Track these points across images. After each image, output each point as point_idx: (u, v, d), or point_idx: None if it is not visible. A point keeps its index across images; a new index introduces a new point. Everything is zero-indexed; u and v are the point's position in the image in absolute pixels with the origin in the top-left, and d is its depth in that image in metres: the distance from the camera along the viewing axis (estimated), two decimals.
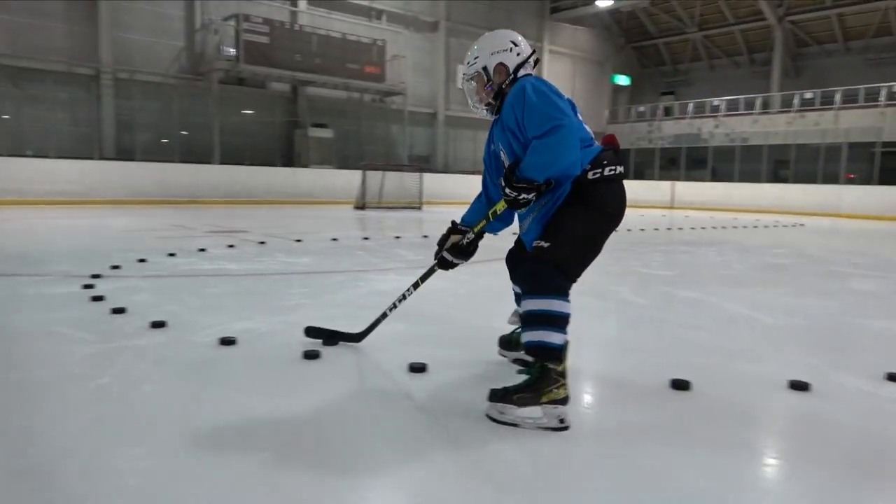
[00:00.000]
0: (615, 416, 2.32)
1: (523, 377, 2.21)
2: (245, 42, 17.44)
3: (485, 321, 3.66)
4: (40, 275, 4.92)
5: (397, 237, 8.55)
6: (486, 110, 2.60)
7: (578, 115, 2.38)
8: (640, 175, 27.12)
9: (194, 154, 17.88)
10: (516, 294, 2.74)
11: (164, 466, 1.79)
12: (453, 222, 2.77)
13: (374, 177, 16.81)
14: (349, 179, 19.03)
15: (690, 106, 26.76)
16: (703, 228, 13.03)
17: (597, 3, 25.38)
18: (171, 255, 6.10)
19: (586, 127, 2.40)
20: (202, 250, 6.52)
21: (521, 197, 2.25)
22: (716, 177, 24.68)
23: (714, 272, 6.38)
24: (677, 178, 24.43)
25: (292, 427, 2.10)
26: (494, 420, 2.17)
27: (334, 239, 7.96)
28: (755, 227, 14.01)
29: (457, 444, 2.00)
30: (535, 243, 2.29)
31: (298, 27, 18.84)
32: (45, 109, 15.50)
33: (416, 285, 2.87)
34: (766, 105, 24.95)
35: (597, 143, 2.42)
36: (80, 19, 16.35)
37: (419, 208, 17.27)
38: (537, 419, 2.13)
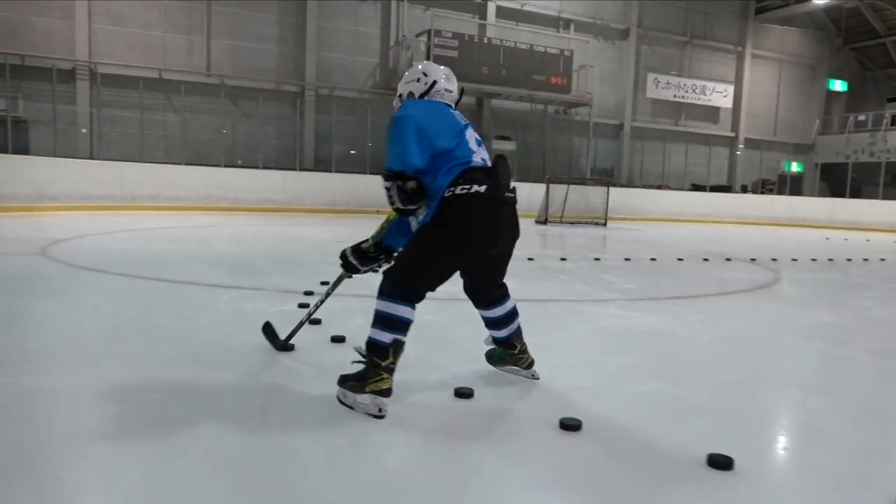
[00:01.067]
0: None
1: (359, 367, 2.44)
2: (434, 57, 17.77)
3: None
4: (257, 289, 5.02)
5: (597, 259, 7.94)
6: None
7: (467, 132, 2.57)
8: (857, 193, 23.77)
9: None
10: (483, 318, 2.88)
11: None
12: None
13: (557, 190, 16.26)
14: (528, 192, 18.62)
15: None
16: None
17: (813, 0, 22.72)
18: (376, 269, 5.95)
19: (471, 145, 2.54)
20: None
21: (385, 184, 2.49)
22: None
23: None
24: None
25: None
26: (340, 401, 2.46)
27: (530, 259, 7.55)
28: None
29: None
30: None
31: (486, 40, 18.88)
32: (256, 124, 16.90)
33: (328, 294, 3.13)
34: None
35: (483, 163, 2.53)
36: (291, 41, 17.70)
37: (604, 224, 16.41)
38: (365, 405, 2.37)
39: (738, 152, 24.62)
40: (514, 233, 2.63)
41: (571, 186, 16.46)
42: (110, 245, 7.65)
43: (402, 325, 2.41)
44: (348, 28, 18.41)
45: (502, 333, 2.82)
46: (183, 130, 16.33)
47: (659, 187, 22.18)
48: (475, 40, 18.63)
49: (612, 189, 17.56)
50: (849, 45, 26.92)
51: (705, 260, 8.59)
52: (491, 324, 2.83)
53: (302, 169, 17.35)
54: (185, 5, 16.56)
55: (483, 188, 2.41)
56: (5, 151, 13.03)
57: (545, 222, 15.80)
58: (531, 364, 2.89)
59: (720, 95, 24.02)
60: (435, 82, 2.73)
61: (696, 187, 23.45)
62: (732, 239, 13.85)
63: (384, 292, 2.43)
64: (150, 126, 16.29)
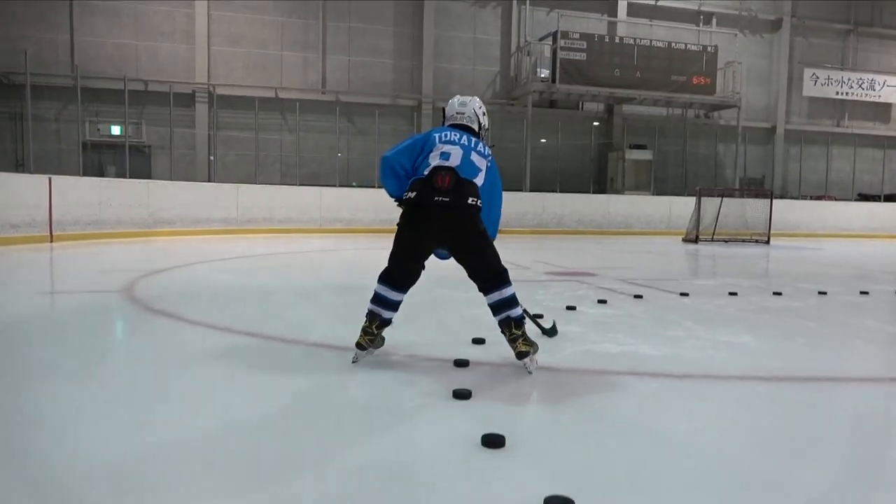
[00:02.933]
0: None
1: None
2: (561, 61, 16.19)
3: None
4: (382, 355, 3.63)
5: (822, 293, 5.95)
6: None
7: (436, 149, 3.09)
8: None
9: (505, 181, 17.12)
10: None
11: None
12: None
13: (706, 204, 14.07)
14: (667, 206, 16.54)
15: None
16: None
17: None
18: (538, 315, 4.20)
19: (431, 160, 3.06)
20: (571, 308, 4.83)
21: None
22: None
23: None
24: None
25: None
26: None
27: (732, 293, 5.73)
28: None
29: None
30: None
31: (618, 39, 17.03)
32: (371, 141, 16.02)
33: None
34: None
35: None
36: (408, 53, 16.76)
37: (766, 242, 13.99)
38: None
39: None
40: (445, 230, 3.05)
41: (725, 199, 14.19)
42: (210, 277, 6.66)
43: (378, 300, 3.19)
44: (467, 36, 17.24)
45: (496, 318, 3.13)
46: (297, 150, 15.72)
47: (820, 198, 19.16)
48: (605, 40, 16.83)
49: (762, 201, 15.07)
50: None
51: None
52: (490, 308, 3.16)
53: None
54: (301, 23, 16.05)
55: (414, 194, 3.04)
56: (124, 176, 12.79)
57: (696, 240, 13.65)
58: (521, 356, 3.06)
59: (892, 90, 20.60)
60: (444, 110, 3.48)
61: (864, 197, 20.13)
62: None
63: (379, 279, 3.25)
64: (265, 147, 15.81)
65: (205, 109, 15.45)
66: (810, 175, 19.97)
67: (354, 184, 16.04)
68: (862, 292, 5.92)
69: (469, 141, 3.17)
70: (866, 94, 20.42)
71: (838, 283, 6.99)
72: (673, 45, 17.18)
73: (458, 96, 3.48)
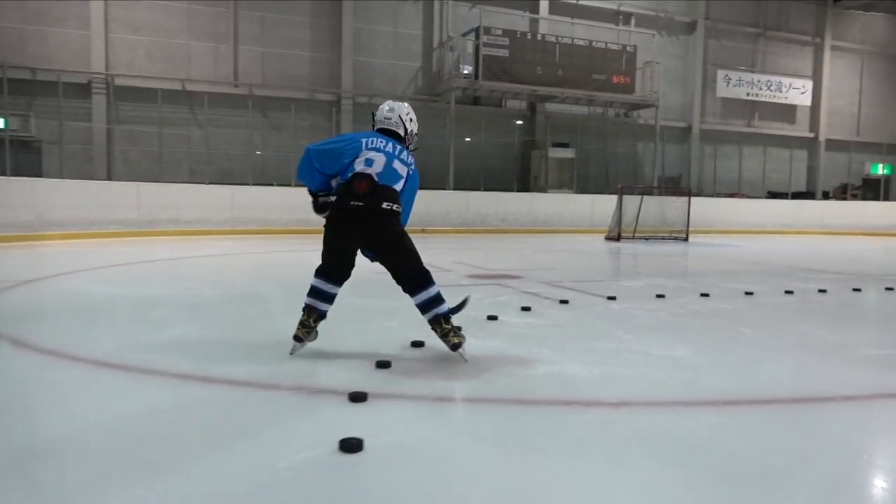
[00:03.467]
0: None
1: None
2: (484, 57, 15.92)
3: None
4: (271, 386, 3.10)
5: (749, 293, 5.81)
6: None
7: (361, 155, 3.28)
8: None
9: (429, 178, 16.74)
10: None
11: None
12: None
13: (628, 203, 14.14)
14: (590, 204, 16.59)
15: None
16: None
17: None
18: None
19: (357, 166, 3.25)
20: (493, 318, 4.42)
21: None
22: None
23: None
24: None
25: None
26: None
27: (660, 296, 5.51)
28: None
29: None
30: None
31: (540, 37, 16.92)
32: (288, 137, 15.25)
33: None
34: None
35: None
36: (326, 46, 16.05)
37: (685, 239, 14.20)
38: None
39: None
40: (362, 232, 3.28)
41: (645, 197, 14.30)
42: (87, 289, 5.83)
43: (315, 293, 3.34)
44: (388, 30, 16.69)
45: (424, 317, 3.36)
46: (208, 146, 14.74)
47: (733, 196, 19.78)
48: (528, 38, 16.68)
49: (680, 199, 15.35)
50: None
51: (856, 290, 6.38)
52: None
53: None
54: (210, 10, 15.06)
55: (334, 199, 3.30)
56: (3, 174, 11.54)
57: (617, 238, 13.68)
58: (455, 347, 3.27)
59: (797, 92, 21.56)
60: (374, 114, 3.64)
61: (774, 194, 20.96)
62: (853, 255, 11.53)
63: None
64: (171, 142, 14.73)
65: (103, 101, 14.23)
66: (724, 174, 20.61)
67: (275, 183, 15.22)
68: (787, 291, 5.85)
69: (394, 149, 3.37)
70: (774, 96, 21.26)
71: (761, 281, 6.95)
72: (594, 43, 17.24)
73: (388, 102, 3.64)
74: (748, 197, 19.82)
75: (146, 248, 9.77)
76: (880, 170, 22.96)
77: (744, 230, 18.06)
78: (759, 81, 20.94)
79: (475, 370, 3.12)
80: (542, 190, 17.25)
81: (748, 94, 20.83)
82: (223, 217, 13.08)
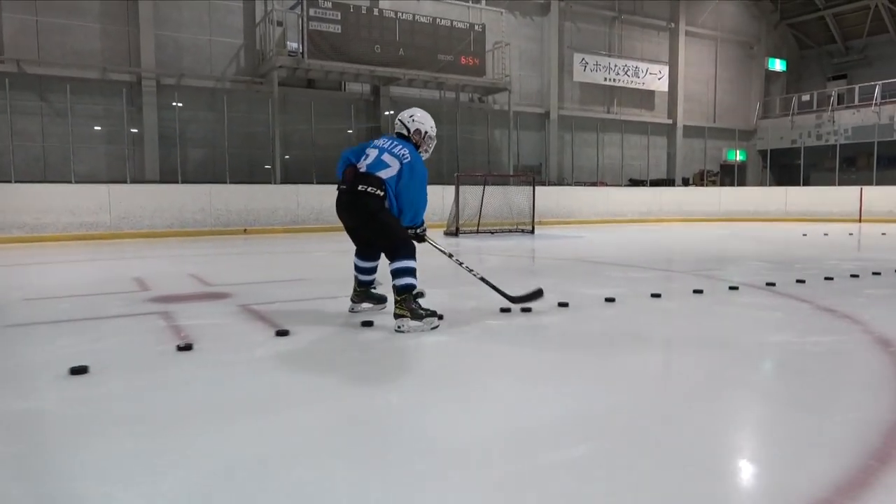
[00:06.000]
0: None
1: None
2: (311, 33, 14.09)
3: None
4: None
5: (610, 299, 4.33)
6: None
7: (367, 150, 3.89)
8: (807, 181, 21.40)
9: (251, 171, 14.75)
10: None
11: None
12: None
13: (472, 193, 12.80)
14: (440, 196, 15.18)
15: (878, 90, 20.80)
16: None
17: None
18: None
19: (360, 161, 3.85)
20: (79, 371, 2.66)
21: None
22: None
23: None
24: (864, 181, 18.65)
25: None
26: None
27: (526, 310, 3.96)
28: None
29: None
30: None
31: (378, 12, 15.28)
32: (74, 125, 12.79)
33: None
34: None
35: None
36: (120, 18, 13.63)
37: (531, 231, 13.06)
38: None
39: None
40: (347, 211, 3.86)
41: (489, 187, 13.02)
42: None
43: (354, 267, 4.14)
44: (199, 0, 14.47)
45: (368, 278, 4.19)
46: None
47: (595, 184, 19.10)
48: (362, 12, 14.99)
49: (540, 189, 14.31)
50: (786, 20, 24.78)
51: (698, 292, 5.19)
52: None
53: (137, 181, 13.29)
54: None
55: (337, 185, 3.90)
56: None
57: (456, 233, 12.30)
58: (395, 317, 3.68)
59: (654, 77, 21.25)
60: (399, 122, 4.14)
61: (635, 182, 20.54)
62: (699, 244, 10.72)
63: None
64: None
65: None
66: (585, 161, 19.92)
67: (53, 178, 12.70)
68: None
69: (389, 144, 3.87)
70: (632, 81, 20.82)
71: (617, 282, 5.65)
72: (438, 21, 15.82)
73: (407, 111, 4.10)
74: (606, 185, 19.20)
75: None
76: (736, 156, 23.22)
77: (603, 220, 17.35)
78: (616, 66, 20.39)
79: None
80: None
81: (606, 80, 20.23)
82: None
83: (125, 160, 13.36)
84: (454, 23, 16.06)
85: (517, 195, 13.17)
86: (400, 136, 3.97)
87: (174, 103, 13.79)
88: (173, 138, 13.74)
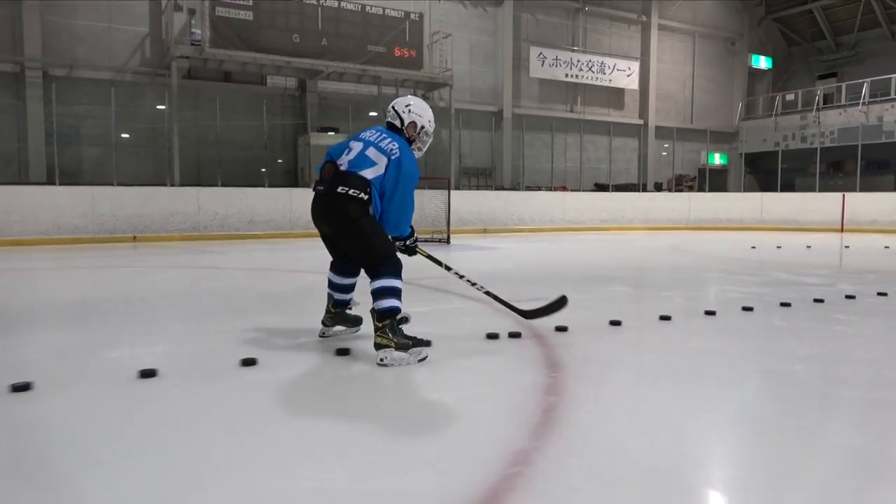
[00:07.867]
0: None
1: None
2: (216, 20, 12.78)
3: None
4: None
5: (562, 327, 2.90)
6: None
7: (349, 144, 3.28)
8: (790, 186, 19.77)
9: (154, 173, 13.45)
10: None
11: None
12: None
13: None
14: None
15: (865, 88, 19.13)
16: None
17: None
18: None
19: (342, 157, 3.23)
20: None
21: None
22: None
23: None
24: (849, 187, 17.03)
25: None
26: None
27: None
28: None
29: None
30: None
31: None
32: None
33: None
34: None
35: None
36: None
37: (446, 241, 11.62)
38: None
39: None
40: (323, 215, 3.23)
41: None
42: None
43: (328, 284, 3.54)
44: None
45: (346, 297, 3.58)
46: None
47: (558, 189, 17.60)
48: None
49: (485, 193, 12.84)
50: (771, 14, 23.13)
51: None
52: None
53: (14, 182, 12.02)
54: None
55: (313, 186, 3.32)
56: None
57: None
58: (376, 347, 3.09)
59: (623, 74, 19.71)
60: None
61: (601, 187, 19.00)
62: (638, 258, 9.22)
63: None
64: None
65: None
66: (545, 164, 18.41)
67: None
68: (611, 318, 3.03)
69: (375, 136, 3.26)
70: (597, 78, 19.31)
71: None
72: (369, 8, 14.45)
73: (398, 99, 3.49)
74: (566, 189, 17.69)
75: None
76: (716, 159, 21.61)
77: (557, 228, 15.84)
78: (579, 62, 18.90)
79: None
80: (309, 185, 14.30)
81: (567, 76, 18.74)
82: None
83: (8, 160, 12.11)
84: (387, 11, 14.67)
85: (432, 200, 11.73)
86: (391, 127, 3.37)
87: (65, 97, 12.53)
88: (64, 135, 12.46)
